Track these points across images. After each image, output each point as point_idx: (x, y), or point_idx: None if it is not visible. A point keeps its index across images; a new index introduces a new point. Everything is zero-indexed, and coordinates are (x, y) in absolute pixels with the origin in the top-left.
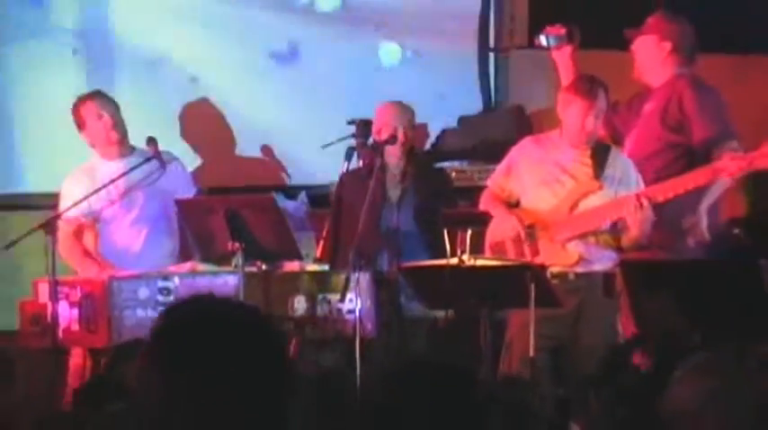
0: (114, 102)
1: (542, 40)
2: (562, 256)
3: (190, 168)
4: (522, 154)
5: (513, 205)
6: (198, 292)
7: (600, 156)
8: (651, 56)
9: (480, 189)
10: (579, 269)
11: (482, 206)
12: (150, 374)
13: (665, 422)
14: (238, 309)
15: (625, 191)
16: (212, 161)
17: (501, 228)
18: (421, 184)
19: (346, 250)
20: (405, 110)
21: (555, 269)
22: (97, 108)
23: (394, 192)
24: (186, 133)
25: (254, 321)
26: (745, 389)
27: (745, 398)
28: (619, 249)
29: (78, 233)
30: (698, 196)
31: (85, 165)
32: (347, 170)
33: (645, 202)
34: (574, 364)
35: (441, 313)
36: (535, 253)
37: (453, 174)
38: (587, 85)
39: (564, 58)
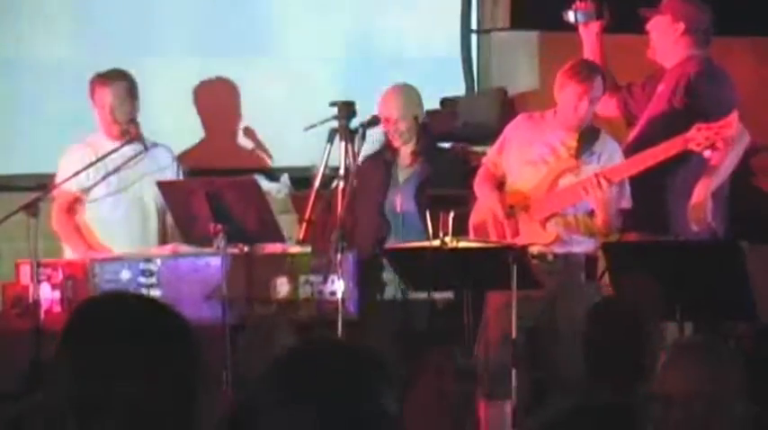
0: (129, 84)
1: (570, 15)
2: (540, 235)
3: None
4: (515, 131)
5: (503, 183)
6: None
7: (587, 139)
8: (664, 36)
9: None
10: (558, 249)
11: (475, 184)
12: (62, 366)
13: (655, 405)
14: (149, 305)
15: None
16: (199, 142)
17: (482, 208)
18: (427, 165)
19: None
20: (411, 92)
21: (535, 249)
22: (105, 96)
23: (402, 174)
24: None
25: (164, 318)
26: (735, 375)
27: (734, 383)
28: (598, 235)
29: (71, 208)
30: (704, 179)
31: (90, 138)
32: (353, 152)
33: (603, 182)
34: (550, 346)
35: (440, 295)
36: (515, 232)
37: None
38: (584, 70)
39: (591, 35)
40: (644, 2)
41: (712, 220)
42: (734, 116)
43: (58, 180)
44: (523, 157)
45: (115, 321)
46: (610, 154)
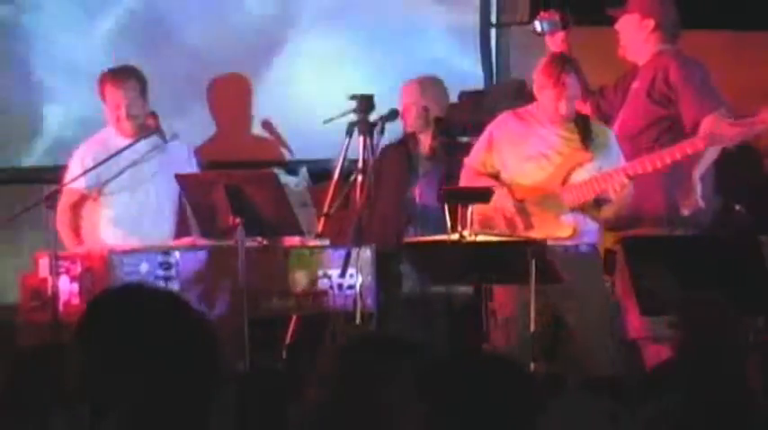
0: (139, 80)
1: (537, 25)
2: (557, 229)
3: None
4: (503, 129)
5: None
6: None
7: (583, 128)
8: (635, 34)
9: None
10: (569, 242)
11: (464, 183)
12: (77, 357)
13: None
14: (164, 296)
15: (607, 160)
16: (214, 135)
17: (493, 201)
18: (445, 159)
19: (375, 225)
20: (426, 84)
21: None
22: (118, 97)
23: (422, 167)
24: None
25: (179, 312)
26: None
27: None
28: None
29: (77, 205)
30: (690, 165)
31: (99, 135)
32: (388, 144)
33: (626, 180)
34: (565, 339)
35: (458, 289)
36: (529, 227)
37: None
38: (557, 70)
39: (557, 44)
40: None
41: (702, 202)
42: (767, 112)
43: (67, 177)
44: (521, 154)
45: (129, 314)
46: (606, 138)
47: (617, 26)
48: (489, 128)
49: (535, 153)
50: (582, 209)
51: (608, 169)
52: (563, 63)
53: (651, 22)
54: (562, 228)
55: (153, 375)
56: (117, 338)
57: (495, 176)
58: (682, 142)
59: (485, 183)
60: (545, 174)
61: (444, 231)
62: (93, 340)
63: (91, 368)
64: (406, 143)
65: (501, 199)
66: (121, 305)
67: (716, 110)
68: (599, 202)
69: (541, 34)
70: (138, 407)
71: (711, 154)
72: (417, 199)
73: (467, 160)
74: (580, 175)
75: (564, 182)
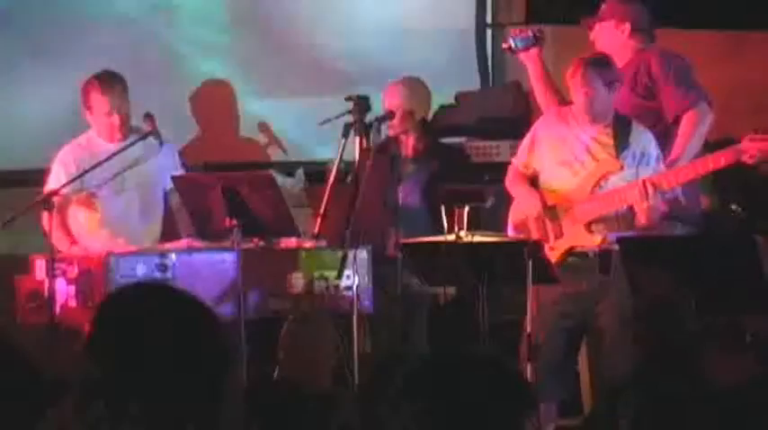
0: (122, 86)
1: (510, 42)
2: (586, 239)
3: (183, 143)
4: (546, 130)
5: (534, 182)
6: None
7: (621, 132)
8: (612, 40)
9: (478, 166)
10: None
11: (506, 183)
12: (94, 354)
13: None
14: (175, 294)
15: (644, 170)
16: (209, 137)
17: (523, 207)
18: (430, 160)
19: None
20: (411, 86)
21: (577, 248)
22: (108, 105)
23: (405, 168)
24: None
25: (189, 306)
26: None
27: None
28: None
29: (62, 208)
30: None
31: (83, 138)
32: (366, 146)
33: (650, 191)
34: (592, 345)
35: (441, 289)
36: (559, 234)
37: None
38: (579, 72)
39: (532, 60)
40: None
41: (682, 198)
42: None
43: (50, 180)
44: (557, 157)
45: (145, 311)
46: (644, 145)
47: (592, 36)
48: (534, 126)
49: (570, 157)
50: (618, 222)
51: (628, 182)
52: (586, 65)
53: (627, 27)
54: (591, 238)
55: (168, 373)
56: (134, 337)
57: (534, 178)
58: (707, 156)
59: (521, 187)
60: (577, 179)
61: (427, 233)
62: (110, 338)
63: (108, 367)
64: (388, 144)
65: (529, 205)
66: (135, 302)
67: (696, 104)
68: (622, 216)
69: (515, 51)
70: (155, 405)
71: (691, 151)
72: (401, 201)
73: (513, 159)
74: (613, 183)
75: (593, 190)
